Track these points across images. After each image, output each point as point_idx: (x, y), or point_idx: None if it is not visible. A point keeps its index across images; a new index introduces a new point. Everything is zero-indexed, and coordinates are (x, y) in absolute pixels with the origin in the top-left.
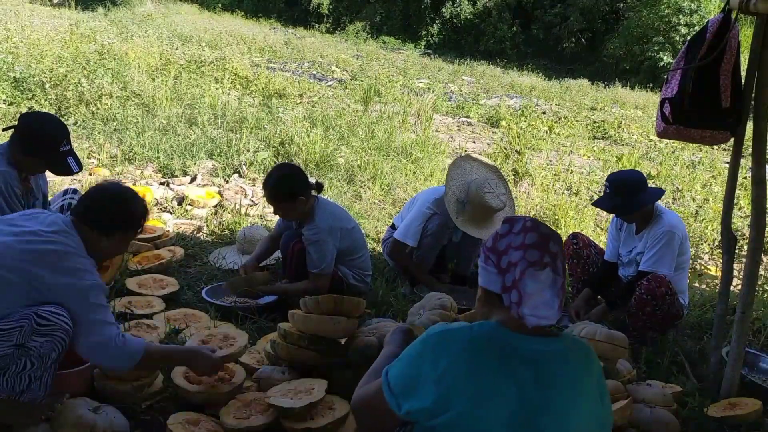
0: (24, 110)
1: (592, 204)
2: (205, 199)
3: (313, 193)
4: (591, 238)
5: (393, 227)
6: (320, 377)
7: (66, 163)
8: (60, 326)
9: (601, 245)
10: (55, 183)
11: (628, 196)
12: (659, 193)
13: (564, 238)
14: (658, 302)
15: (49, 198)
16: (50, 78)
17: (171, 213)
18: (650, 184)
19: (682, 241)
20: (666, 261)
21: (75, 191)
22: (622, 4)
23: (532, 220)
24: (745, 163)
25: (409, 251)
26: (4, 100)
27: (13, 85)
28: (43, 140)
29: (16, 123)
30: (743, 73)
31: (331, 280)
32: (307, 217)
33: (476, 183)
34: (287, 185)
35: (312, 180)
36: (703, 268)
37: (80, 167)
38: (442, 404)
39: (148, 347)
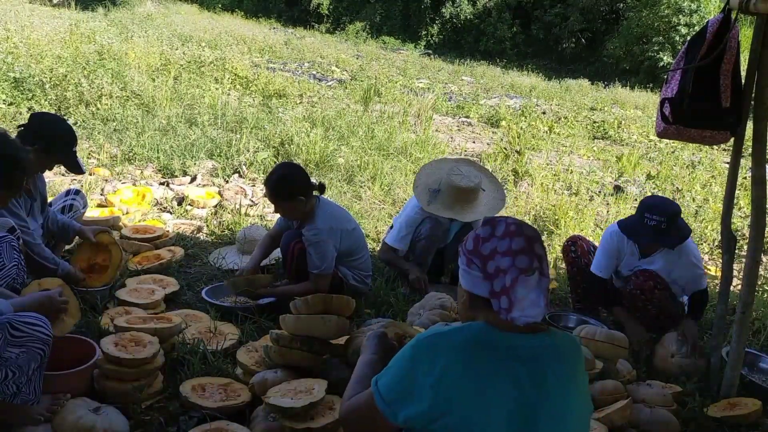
0: (24, 110)
1: (646, 242)
2: (205, 199)
3: (315, 193)
4: (591, 239)
5: (393, 227)
6: (318, 377)
7: (77, 162)
8: (36, 337)
9: None
10: (55, 183)
11: (678, 226)
12: (689, 230)
13: (563, 241)
14: (647, 296)
15: (49, 199)
16: (50, 78)
17: (171, 213)
18: (650, 184)
19: None
20: (703, 276)
21: (77, 192)
22: (622, 4)
23: (514, 222)
24: (745, 163)
25: (403, 254)
26: (4, 100)
27: (13, 85)
28: (63, 139)
29: (26, 122)
30: (743, 73)
31: (332, 281)
32: (308, 217)
33: (445, 171)
34: (288, 185)
35: (314, 181)
36: (703, 267)
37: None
38: (440, 407)
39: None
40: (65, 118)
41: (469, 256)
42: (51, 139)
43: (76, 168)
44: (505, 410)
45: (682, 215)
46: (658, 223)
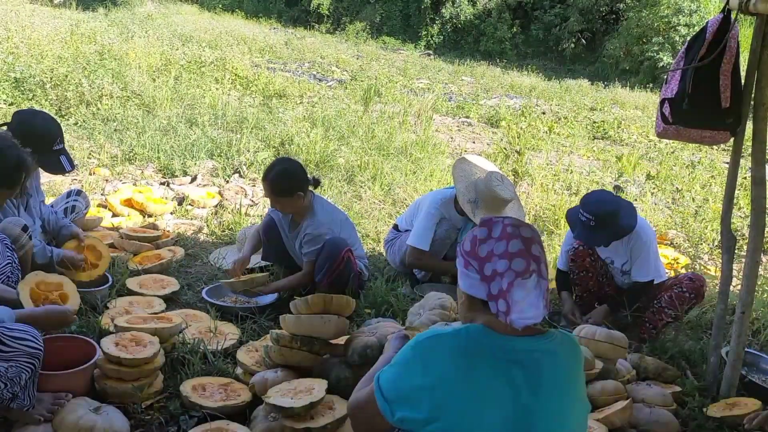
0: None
1: (575, 237)
2: (205, 199)
3: (310, 188)
4: None
5: (396, 228)
6: (318, 377)
7: (58, 161)
8: (24, 352)
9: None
10: (56, 183)
11: (612, 227)
12: (634, 212)
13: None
14: (698, 300)
15: (50, 200)
16: (51, 78)
17: (171, 213)
18: (650, 184)
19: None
20: (659, 266)
21: (79, 192)
22: (622, 5)
23: (511, 223)
24: (745, 163)
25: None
26: (4, 100)
27: (13, 85)
28: (35, 138)
29: (9, 120)
30: (743, 73)
31: (341, 261)
32: (306, 211)
33: (482, 181)
34: (287, 180)
35: (309, 176)
36: (703, 268)
37: (72, 166)
38: (435, 412)
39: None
40: (61, 116)
41: (467, 258)
42: (25, 139)
43: (55, 168)
44: (501, 414)
45: (692, 217)
46: (587, 220)
